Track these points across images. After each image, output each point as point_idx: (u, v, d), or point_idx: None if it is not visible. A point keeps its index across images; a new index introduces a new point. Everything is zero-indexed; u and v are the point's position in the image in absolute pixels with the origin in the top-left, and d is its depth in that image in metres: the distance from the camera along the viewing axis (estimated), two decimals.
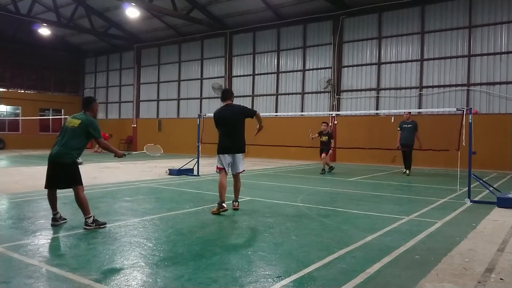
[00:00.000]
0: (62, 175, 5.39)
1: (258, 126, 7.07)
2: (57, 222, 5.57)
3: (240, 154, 6.81)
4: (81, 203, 5.41)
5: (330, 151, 14.01)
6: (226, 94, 7.03)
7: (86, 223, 5.37)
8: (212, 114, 7.15)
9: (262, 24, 20.59)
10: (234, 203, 6.88)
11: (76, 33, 26.39)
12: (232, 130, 6.73)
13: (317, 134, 13.49)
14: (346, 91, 18.63)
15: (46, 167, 5.55)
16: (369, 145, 15.39)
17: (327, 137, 13.44)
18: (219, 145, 6.81)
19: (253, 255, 4.40)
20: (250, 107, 21.13)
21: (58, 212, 5.64)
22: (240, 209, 6.84)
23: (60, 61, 29.30)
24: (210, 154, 7.22)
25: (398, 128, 13.31)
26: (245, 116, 6.83)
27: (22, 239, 4.90)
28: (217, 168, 6.85)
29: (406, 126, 13.09)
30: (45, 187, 5.55)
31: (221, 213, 6.49)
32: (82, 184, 5.51)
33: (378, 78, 17.77)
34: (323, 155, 13.35)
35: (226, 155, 6.75)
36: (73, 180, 5.41)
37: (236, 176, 6.91)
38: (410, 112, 13.70)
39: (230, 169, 6.84)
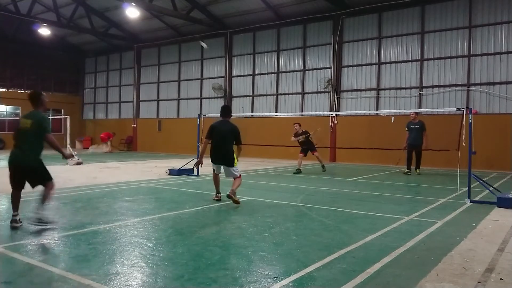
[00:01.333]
0: (34, 176, 5.44)
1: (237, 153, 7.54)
2: (17, 224, 5.36)
3: (230, 167, 7.35)
4: (48, 198, 5.44)
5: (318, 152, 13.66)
6: (226, 111, 7.65)
7: (38, 220, 5.29)
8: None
9: (262, 24, 20.58)
10: (230, 191, 7.14)
11: (76, 33, 26.37)
12: (222, 143, 7.27)
13: (293, 138, 13.35)
14: (346, 91, 18.62)
15: (8, 170, 5.44)
16: (369, 145, 15.39)
17: (303, 136, 13.19)
18: (211, 155, 7.39)
19: (253, 255, 4.40)
20: (250, 107, 21.33)
21: (18, 214, 5.44)
22: (240, 209, 6.84)
23: (60, 61, 29.29)
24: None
25: (406, 129, 13.18)
26: (234, 138, 7.38)
27: (22, 239, 4.90)
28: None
29: (413, 127, 12.97)
30: (13, 188, 5.45)
31: (215, 200, 7.51)
32: (52, 179, 5.53)
33: (378, 78, 17.77)
34: (301, 154, 13.34)
35: (219, 165, 7.40)
36: (45, 177, 5.46)
37: (235, 179, 7.45)
38: (416, 113, 13.51)
39: (226, 174, 7.50)
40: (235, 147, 7.44)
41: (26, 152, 5.36)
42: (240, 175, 7.45)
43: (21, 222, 5.43)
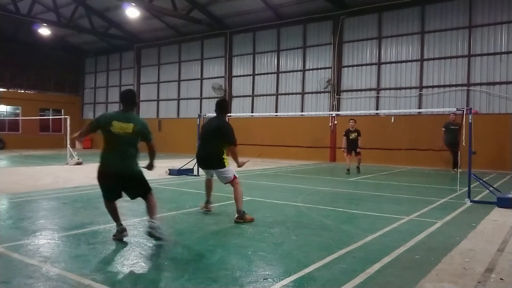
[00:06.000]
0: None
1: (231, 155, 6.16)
2: (121, 235, 4.84)
3: (218, 169, 6.08)
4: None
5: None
6: (216, 106, 6.37)
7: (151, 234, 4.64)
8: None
9: (262, 24, 20.58)
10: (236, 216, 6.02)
11: (76, 33, 26.36)
12: (203, 142, 6.26)
13: (344, 136, 13.33)
14: (346, 91, 18.62)
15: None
16: (369, 145, 15.36)
17: (356, 134, 13.21)
18: (196, 156, 6.39)
19: (253, 255, 4.40)
20: (250, 107, 21.27)
21: (122, 224, 4.95)
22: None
23: (60, 61, 29.29)
24: None
25: (443, 129, 13.19)
26: (220, 136, 6.04)
27: (22, 239, 4.90)
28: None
29: (453, 127, 12.99)
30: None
31: (206, 211, 6.44)
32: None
33: (378, 78, 17.76)
34: (353, 155, 13.24)
35: (203, 168, 6.41)
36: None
37: (232, 185, 6.13)
38: (455, 113, 13.17)
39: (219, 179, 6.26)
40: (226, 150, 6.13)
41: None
42: (235, 177, 6.09)
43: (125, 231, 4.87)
